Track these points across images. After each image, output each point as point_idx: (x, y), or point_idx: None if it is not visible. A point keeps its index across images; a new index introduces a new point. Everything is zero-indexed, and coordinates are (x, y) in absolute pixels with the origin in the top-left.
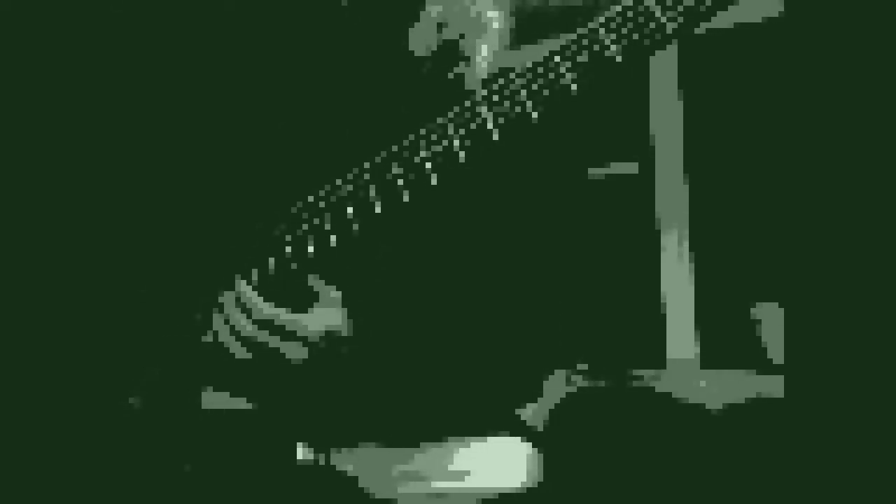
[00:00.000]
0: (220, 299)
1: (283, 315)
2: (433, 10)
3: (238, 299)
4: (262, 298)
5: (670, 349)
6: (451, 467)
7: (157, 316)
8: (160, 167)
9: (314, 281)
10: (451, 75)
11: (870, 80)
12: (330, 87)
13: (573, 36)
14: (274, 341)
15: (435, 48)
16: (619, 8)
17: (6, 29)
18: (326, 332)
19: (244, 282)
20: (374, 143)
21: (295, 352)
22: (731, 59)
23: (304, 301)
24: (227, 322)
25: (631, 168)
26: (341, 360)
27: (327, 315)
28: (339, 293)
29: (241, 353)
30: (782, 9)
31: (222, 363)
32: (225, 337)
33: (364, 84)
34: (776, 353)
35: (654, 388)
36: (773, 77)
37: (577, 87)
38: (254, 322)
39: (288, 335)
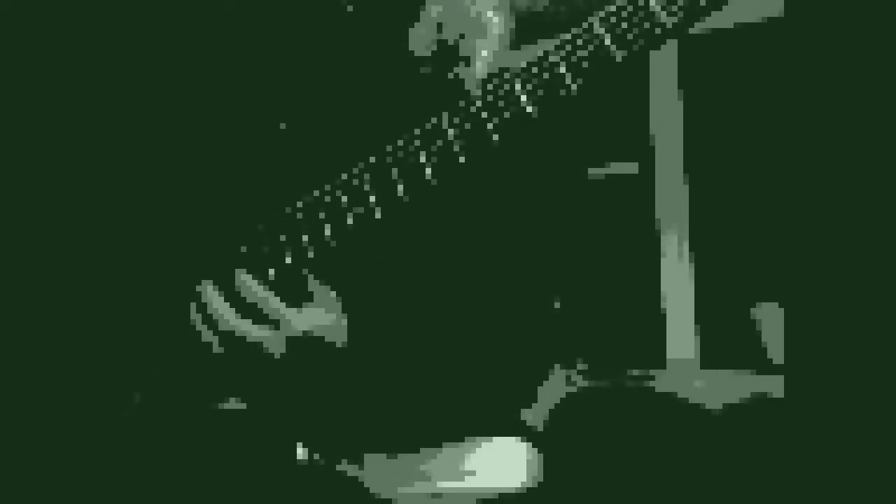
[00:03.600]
0: (201, 289)
1: (271, 302)
2: (433, 11)
3: (232, 284)
4: (258, 284)
5: (670, 349)
6: (451, 467)
7: (156, 316)
8: (158, 167)
9: (312, 283)
10: (450, 76)
11: (870, 79)
12: (330, 86)
13: (570, 34)
14: (255, 330)
15: (435, 49)
16: (616, 5)
17: (6, 29)
18: (312, 331)
19: (243, 269)
20: (374, 143)
21: (274, 345)
22: (731, 59)
23: (298, 298)
24: (205, 312)
25: (631, 168)
26: (322, 362)
27: (318, 315)
28: (337, 296)
29: (216, 344)
30: (782, 9)
31: (218, 361)
32: (202, 328)
33: (364, 84)
34: (776, 353)
35: (654, 388)
36: (773, 77)
37: (576, 84)
38: (241, 307)
39: (272, 325)
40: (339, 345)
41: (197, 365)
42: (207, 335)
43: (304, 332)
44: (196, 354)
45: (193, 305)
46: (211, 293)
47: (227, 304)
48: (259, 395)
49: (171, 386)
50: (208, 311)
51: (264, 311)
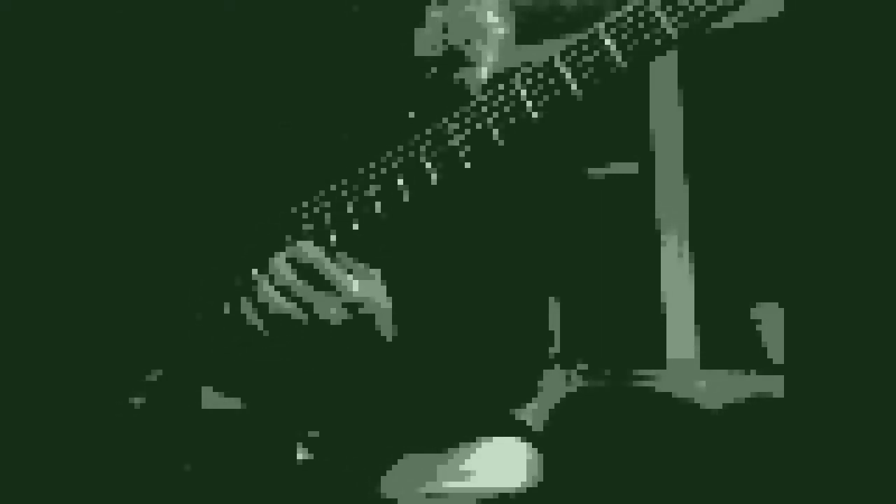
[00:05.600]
0: (256, 270)
1: (333, 271)
2: (438, 16)
3: (291, 257)
4: (320, 251)
5: (670, 349)
6: (451, 467)
7: (159, 315)
8: (161, 166)
9: (346, 260)
10: (455, 80)
11: (870, 80)
12: (335, 89)
13: (576, 40)
14: (318, 298)
15: (440, 53)
16: (621, 13)
17: (6, 29)
18: (369, 298)
19: (301, 238)
20: (378, 145)
21: (336, 313)
22: (731, 59)
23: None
24: (255, 294)
25: (631, 168)
26: (373, 335)
27: (369, 286)
28: (377, 272)
29: (265, 325)
30: (782, 9)
31: (222, 363)
32: (250, 312)
33: (370, 86)
34: (776, 353)
35: (654, 388)
36: (773, 77)
37: (581, 91)
38: (305, 274)
39: (334, 292)
40: (385, 319)
41: (200, 364)
42: (252, 314)
43: (362, 297)
44: (202, 352)
45: (239, 288)
46: (273, 264)
47: (285, 276)
48: (259, 395)
49: (171, 386)
50: (262, 284)
51: (323, 276)
